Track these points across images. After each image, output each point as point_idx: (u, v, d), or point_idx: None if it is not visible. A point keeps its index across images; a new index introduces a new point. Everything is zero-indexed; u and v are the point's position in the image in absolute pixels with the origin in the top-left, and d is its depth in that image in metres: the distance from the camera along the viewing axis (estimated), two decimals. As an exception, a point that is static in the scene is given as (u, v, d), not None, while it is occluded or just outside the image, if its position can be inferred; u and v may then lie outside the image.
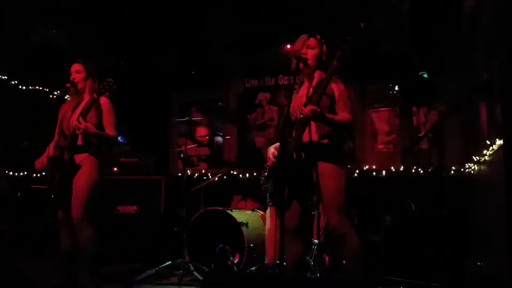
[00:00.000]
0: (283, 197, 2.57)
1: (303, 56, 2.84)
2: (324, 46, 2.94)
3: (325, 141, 2.81)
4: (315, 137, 2.81)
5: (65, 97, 3.54)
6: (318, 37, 2.93)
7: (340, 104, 2.79)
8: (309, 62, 2.86)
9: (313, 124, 2.77)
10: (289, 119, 2.88)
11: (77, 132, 3.21)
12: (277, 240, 2.51)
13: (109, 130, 3.42)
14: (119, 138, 5.43)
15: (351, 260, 2.77)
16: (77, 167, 3.31)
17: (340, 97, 2.80)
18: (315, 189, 2.85)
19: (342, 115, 2.76)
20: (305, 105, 2.68)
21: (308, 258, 3.69)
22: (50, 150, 3.45)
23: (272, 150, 3.00)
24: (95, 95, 3.28)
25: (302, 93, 2.92)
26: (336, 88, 2.80)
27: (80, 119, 3.20)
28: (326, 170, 2.76)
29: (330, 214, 2.76)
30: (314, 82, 2.89)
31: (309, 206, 3.89)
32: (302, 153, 2.71)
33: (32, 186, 3.46)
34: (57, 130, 3.51)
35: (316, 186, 2.81)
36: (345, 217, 2.76)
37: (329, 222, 2.81)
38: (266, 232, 3.88)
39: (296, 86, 2.97)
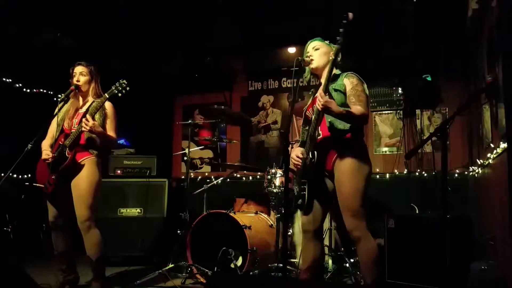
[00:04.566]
0: (287, 197, 2.53)
1: (308, 58, 2.86)
2: (332, 46, 2.95)
3: (346, 135, 2.75)
4: (324, 131, 2.79)
5: (68, 99, 3.55)
6: (327, 41, 2.96)
7: (352, 98, 2.71)
8: (315, 62, 2.88)
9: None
10: (307, 122, 2.87)
11: (83, 129, 3.21)
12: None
13: (111, 133, 3.45)
14: (122, 141, 5.46)
15: (365, 264, 2.73)
16: (78, 166, 3.31)
17: (352, 91, 2.72)
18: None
19: (355, 108, 2.66)
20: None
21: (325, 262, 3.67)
22: (46, 150, 3.45)
23: (297, 152, 2.91)
24: (106, 94, 3.28)
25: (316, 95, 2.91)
26: (348, 82, 2.76)
27: (88, 116, 3.21)
28: (343, 168, 2.71)
29: (345, 216, 2.70)
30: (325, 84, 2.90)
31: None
32: (315, 152, 2.69)
33: (34, 184, 3.45)
34: (52, 128, 3.51)
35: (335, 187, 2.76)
36: (361, 221, 2.68)
37: (345, 224, 2.72)
38: (297, 237, 3.81)
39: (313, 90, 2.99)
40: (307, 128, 2.89)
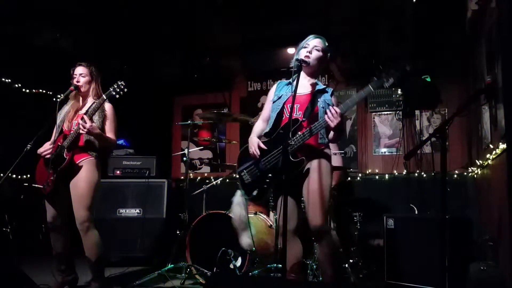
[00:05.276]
0: (286, 200, 2.53)
1: (307, 55, 2.83)
2: (329, 54, 2.93)
3: (322, 145, 2.83)
4: (313, 140, 2.79)
5: (68, 100, 3.55)
6: (327, 43, 2.92)
7: None
8: (311, 62, 2.84)
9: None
10: (281, 116, 2.84)
11: (81, 131, 3.21)
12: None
13: (110, 134, 3.44)
14: (121, 141, 5.46)
15: (328, 257, 2.76)
16: (76, 167, 3.31)
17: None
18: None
19: None
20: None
21: (310, 261, 3.68)
22: (47, 148, 3.44)
23: (256, 139, 2.88)
24: (104, 96, 3.27)
25: (300, 93, 2.85)
26: (335, 101, 2.85)
27: (86, 118, 3.20)
28: (319, 167, 2.76)
29: (315, 210, 2.71)
30: (313, 89, 2.87)
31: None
32: (300, 155, 2.70)
33: (33, 184, 3.45)
34: (55, 130, 3.51)
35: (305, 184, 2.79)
36: (327, 214, 2.83)
37: (312, 220, 2.72)
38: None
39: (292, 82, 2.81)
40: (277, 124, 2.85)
